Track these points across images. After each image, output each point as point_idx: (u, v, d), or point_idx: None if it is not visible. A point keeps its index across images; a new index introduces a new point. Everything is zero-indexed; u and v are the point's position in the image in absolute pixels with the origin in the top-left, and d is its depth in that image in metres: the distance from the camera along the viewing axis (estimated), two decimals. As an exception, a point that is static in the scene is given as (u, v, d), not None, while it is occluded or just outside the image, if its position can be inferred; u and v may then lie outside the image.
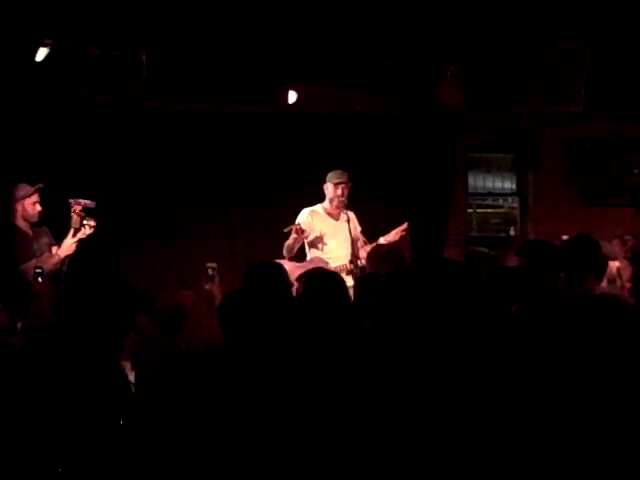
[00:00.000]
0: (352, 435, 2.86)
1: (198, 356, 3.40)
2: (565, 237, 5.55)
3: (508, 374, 3.00)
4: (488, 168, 9.68)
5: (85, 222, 6.07)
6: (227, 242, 8.12)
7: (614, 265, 5.70)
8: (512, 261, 3.81)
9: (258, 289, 3.91)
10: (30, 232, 6.22)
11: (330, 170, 6.81)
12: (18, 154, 7.09)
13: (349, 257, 6.54)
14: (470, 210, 9.45)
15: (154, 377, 3.24)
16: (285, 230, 6.54)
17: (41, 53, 6.70)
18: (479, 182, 9.61)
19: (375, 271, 4.97)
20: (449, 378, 2.93)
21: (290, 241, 6.55)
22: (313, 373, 3.10)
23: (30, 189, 6.23)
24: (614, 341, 3.05)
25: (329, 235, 6.74)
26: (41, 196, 6.24)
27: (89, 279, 3.16)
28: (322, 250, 6.72)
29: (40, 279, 5.34)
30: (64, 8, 6.38)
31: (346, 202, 6.70)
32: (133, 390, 3.22)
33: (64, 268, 6.00)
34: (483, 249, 8.52)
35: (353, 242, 6.53)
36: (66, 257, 6.05)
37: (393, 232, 6.68)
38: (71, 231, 6.07)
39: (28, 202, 6.20)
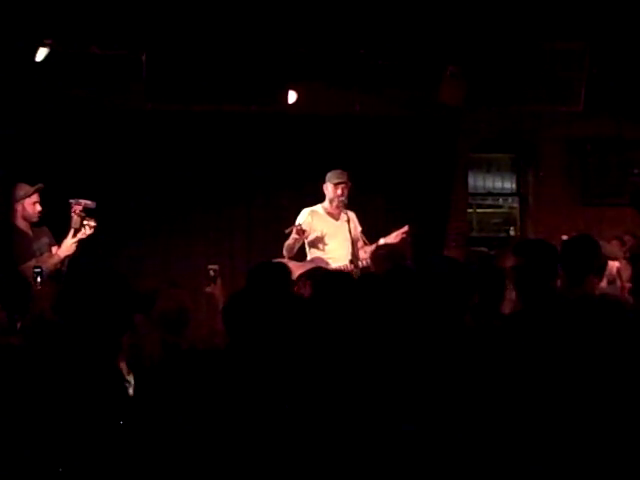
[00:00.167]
0: (354, 436, 2.86)
1: (203, 356, 3.39)
2: (565, 237, 5.56)
3: (508, 374, 3.00)
4: (488, 168, 9.68)
5: (85, 222, 6.07)
6: (227, 242, 8.13)
7: (614, 265, 5.69)
8: (511, 261, 3.80)
9: (263, 289, 3.90)
10: (30, 232, 6.22)
11: (330, 170, 6.81)
12: (18, 154, 7.09)
13: (349, 257, 6.53)
14: (470, 210, 9.45)
15: (160, 377, 3.24)
16: (286, 231, 6.54)
17: (41, 53, 6.70)
18: (479, 182, 9.61)
19: (377, 271, 4.98)
20: (448, 378, 2.93)
21: (290, 241, 6.55)
22: (319, 375, 3.09)
23: (30, 189, 6.23)
24: (614, 341, 3.05)
25: (329, 235, 6.73)
26: (41, 196, 6.24)
27: (88, 278, 3.15)
28: (322, 250, 6.72)
29: (39, 279, 5.34)
30: (64, 8, 6.38)
31: (346, 202, 6.69)
32: (130, 390, 3.22)
33: (64, 268, 6.02)
34: (483, 249, 8.51)
35: (353, 242, 6.52)
36: (66, 257, 6.06)
37: (393, 234, 6.66)
38: (71, 231, 6.06)
39: (28, 202, 6.20)
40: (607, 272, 4.90)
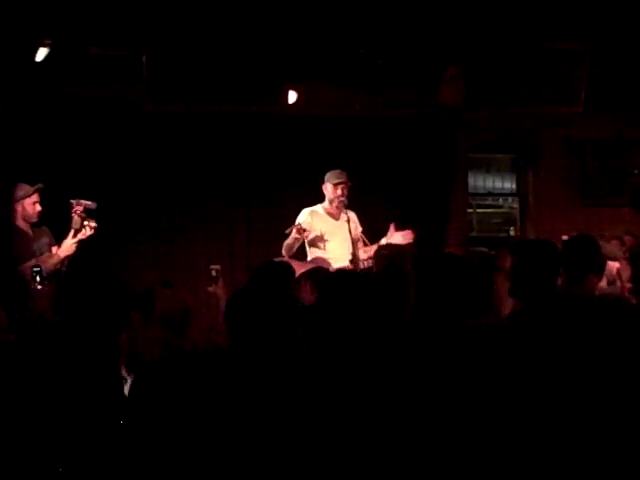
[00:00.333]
0: (355, 436, 2.86)
1: (204, 356, 3.39)
2: (565, 237, 5.55)
3: (508, 374, 3.00)
4: (488, 168, 9.69)
5: (86, 223, 6.06)
6: (227, 242, 8.13)
7: (614, 266, 5.69)
8: (509, 261, 3.80)
9: (266, 288, 3.89)
10: (30, 232, 6.22)
11: (329, 170, 6.81)
12: (18, 154, 7.09)
13: (349, 257, 6.52)
14: (470, 210, 9.45)
15: (158, 376, 3.23)
16: (286, 232, 6.53)
17: (41, 53, 6.70)
18: (479, 182, 9.61)
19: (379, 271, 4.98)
20: (448, 379, 2.93)
21: (290, 240, 6.53)
22: (324, 377, 3.08)
23: (30, 189, 6.23)
24: (615, 341, 3.05)
25: (329, 235, 6.72)
26: (41, 196, 6.24)
27: (82, 277, 3.15)
28: (322, 250, 6.70)
29: (38, 278, 5.34)
30: (64, 8, 6.39)
31: (346, 202, 6.67)
32: (128, 390, 3.22)
33: (64, 268, 6.02)
34: (483, 249, 8.51)
35: (353, 242, 6.52)
36: (66, 257, 6.06)
37: (398, 234, 6.63)
38: (71, 232, 6.06)
39: (28, 202, 6.20)
40: (607, 272, 4.91)
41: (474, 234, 9.49)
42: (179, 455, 2.85)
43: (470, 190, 9.31)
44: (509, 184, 9.76)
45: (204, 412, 2.88)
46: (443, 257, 4.03)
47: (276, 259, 6.03)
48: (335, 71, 7.50)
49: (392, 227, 6.67)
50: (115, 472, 2.83)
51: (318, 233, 6.72)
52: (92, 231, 6.09)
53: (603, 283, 4.79)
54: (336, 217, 6.78)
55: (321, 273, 4.97)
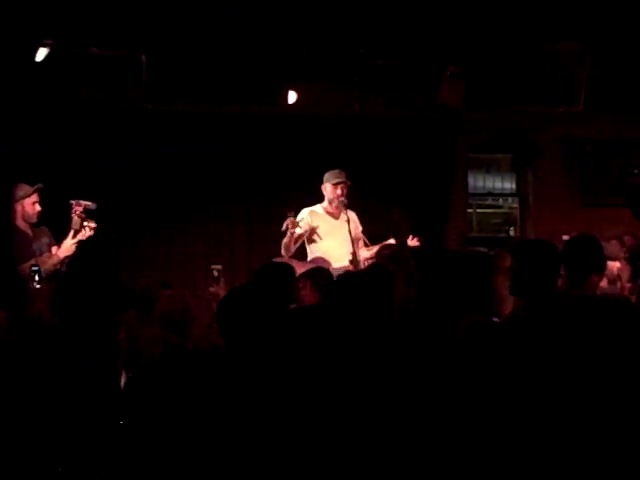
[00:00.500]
0: (355, 437, 2.86)
1: (204, 355, 3.39)
2: (565, 237, 5.56)
3: (508, 373, 3.00)
4: (488, 168, 9.69)
5: (85, 224, 6.07)
6: (227, 242, 8.13)
7: (614, 266, 5.70)
8: (509, 261, 3.80)
9: (268, 289, 3.88)
10: (30, 232, 6.22)
11: (329, 170, 6.80)
12: (18, 154, 7.09)
13: (349, 257, 6.52)
14: (470, 210, 9.46)
15: (157, 375, 3.23)
16: (282, 229, 6.52)
17: (41, 53, 6.70)
18: (479, 182, 9.61)
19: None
20: (448, 379, 2.93)
21: (286, 239, 6.52)
22: (323, 378, 3.07)
23: (30, 189, 6.23)
24: (615, 340, 3.05)
25: (329, 234, 6.72)
26: (41, 196, 6.24)
27: (78, 276, 3.15)
28: (322, 249, 6.70)
29: (37, 277, 5.34)
30: (64, 8, 6.38)
31: (346, 202, 6.67)
32: (126, 390, 3.22)
33: (64, 269, 6.02)
34: (483, 249, 8.51)
35: (353, 242, 6.52)
36: (66, 258, 6.06)
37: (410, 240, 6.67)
38: (71, 232, 6.06)
39: (28, 202, 6.20)
40: (607, 272, 4.91)
41: (474, 234, 9.49)
42: (179, 455, 2.85)
43: (470, 190, 9.31)
44: (509, 184, 9.76)
45: (202, 411, 2.88)
46: (443, 253, 4.03)
47: (276, 259, 6.03)
48: (335, 71, 7.50)
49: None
50: (115, 472, 2.82)
51: (317, 232, 6.71)
52: (92, 232, 6.09)
53: (603, 283, 4.79)
54: (336, 217, 6.78)
55: (321, 273, 4.97)
